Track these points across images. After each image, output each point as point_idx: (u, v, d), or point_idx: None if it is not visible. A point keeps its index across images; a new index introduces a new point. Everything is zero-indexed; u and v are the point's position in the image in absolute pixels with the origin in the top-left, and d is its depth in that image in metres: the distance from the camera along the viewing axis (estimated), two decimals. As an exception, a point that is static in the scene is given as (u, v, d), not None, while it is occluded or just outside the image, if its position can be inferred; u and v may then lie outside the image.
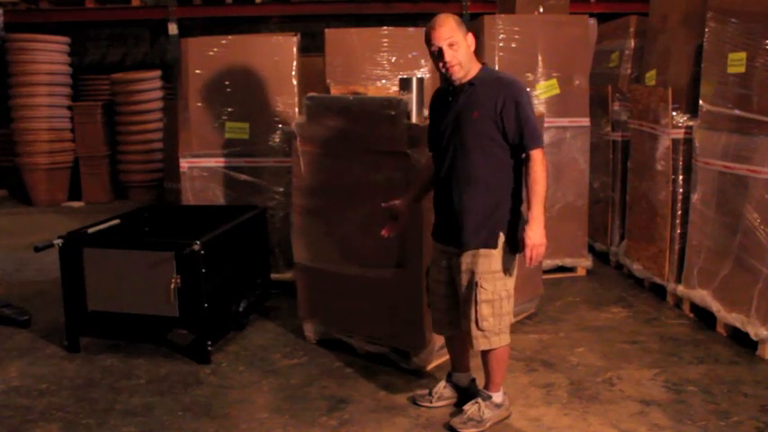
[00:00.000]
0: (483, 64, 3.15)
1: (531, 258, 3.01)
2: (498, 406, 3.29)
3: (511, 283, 3.16)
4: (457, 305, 3.23)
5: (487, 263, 3.08)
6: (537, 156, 3.01)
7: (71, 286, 4.10)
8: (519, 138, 3.01)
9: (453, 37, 3.01)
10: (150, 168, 9.07)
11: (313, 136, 4.10)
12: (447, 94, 3.16)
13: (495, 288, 3.09)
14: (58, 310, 4.32)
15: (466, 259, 3.12)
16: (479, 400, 3.29)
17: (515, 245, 3.10)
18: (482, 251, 3.09)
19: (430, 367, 3.86)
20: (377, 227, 3.60)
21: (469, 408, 3.28)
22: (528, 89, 3.13)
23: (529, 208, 3.02)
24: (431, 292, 3.36)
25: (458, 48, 3.02)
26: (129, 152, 9.17)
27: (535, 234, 2.99)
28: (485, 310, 3.09)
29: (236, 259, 4.42)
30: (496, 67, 5.23)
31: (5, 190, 9.62)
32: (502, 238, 3.09)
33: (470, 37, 3.08)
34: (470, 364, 3.50)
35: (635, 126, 5.27)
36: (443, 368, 3.84)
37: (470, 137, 3.05)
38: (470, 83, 3.08)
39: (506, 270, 3.12)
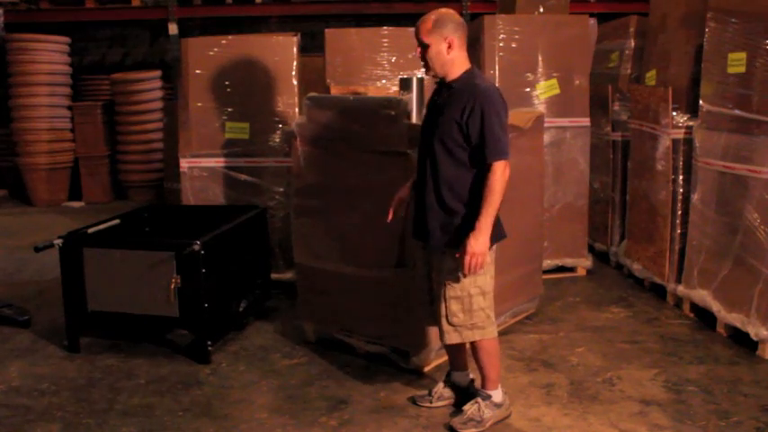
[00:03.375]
0: (471, 67, 3.15)
1: (468, 266, 3.02)
2: (498, 405, 3.29)
3: (483, 279, 3.16)
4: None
5: (454, 261, 3.10)
6: (497, 167, 3.00)
7: (71, 286, 4.10)
8: (481, 147, 3.02)
9: (424, 38, 3.07)
10: (150, 168, 9.07)
11: (313, 136, 4.10)
12: (435, 93, 3.24)
13: (464, 285, 3.13)
14: (58, 310, 4.32)
15: (436, 257, 3.20)
16: (479, 399, 3.29)
17: (490, 244, 3.10)
18: (449, 250, 3.13)
19: (429, 367, 3.86)
20: (377, 227, 3.61)
21: (469, 408, 3.29)
22: (504, 101, 3.08)
23: (477, 216, 3.02)
24: (415, 286, 3.44)
25: (428, 50, 3.07)
26: (129, 152, 9.17)
27: (477, 243, 3.00)
28: (453, 305, 3.15)
29: (236, 259, 4.42)
30: (496, 67, 5.24)
31: (5, 190, 9.61)
32: None
33: (453, 39, 3.06)
34: (468, 363, 3.50)
35: (635, 126, 5.27)
36: (443, 368, 3.84)
37: (439, 138, 3.11)
38: (450, 85, 3.12)
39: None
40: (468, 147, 3.05)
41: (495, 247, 3.18)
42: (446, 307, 3.17)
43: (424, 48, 3.08)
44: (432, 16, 3.08)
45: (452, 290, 3.15)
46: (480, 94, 3.02)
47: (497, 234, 3.16)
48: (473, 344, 3.25)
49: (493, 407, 3.27)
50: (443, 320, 3.19)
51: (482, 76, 3.16)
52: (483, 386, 3.30)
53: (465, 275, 3.09)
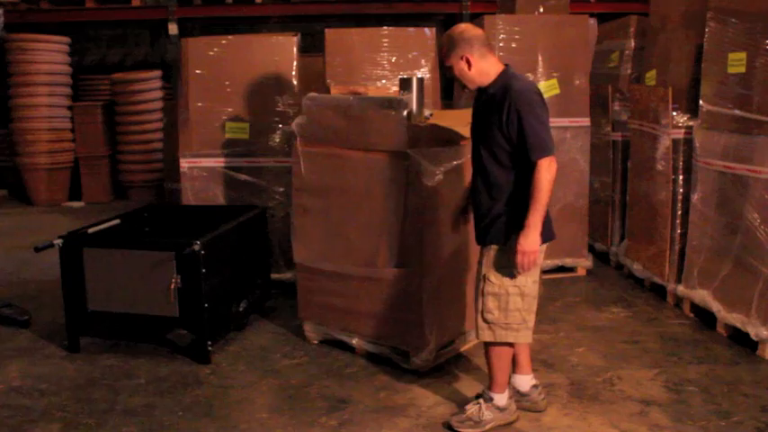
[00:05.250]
0: (504, 68, 3.13)
1: (521, 264, 3.04)
2: (501, 409, 3.26)
3: (524, 280, 3.12)
4: None
5: (496, 258, 3.11)
6: (541, 165, 3.01)
7: (71, 286, 4.10)
8: (524, 147, 3.02)
9: (446, 62, 3.16)
10: (150, 168, 9.07)
11: (313, 136, 4.10)
12: (476, 98, 3.26)
13: (503, 282, 3.11)
14: (58, 310, 4.33)
15: (481, 253, 3.22)
16: (481, 400, 3.28)
17: None
18: (492, 246, 3.14)
19: (430, 367, 3.85)
20: (377, 227, 3.60)
21: (470, 407, 3.28)
22: (539, 92, 3.11)
23: (526, 215, 3.02)
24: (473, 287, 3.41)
25: (454, 71, 3.14)
26: (129, 152, 9.17)
27: (527, 241, 3.02)
28: (490, 302, 3.13)
29: (237, 259, 4.42)
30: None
31: (5, 190, 9.62)
32: (515, 237, 3.06)
33: (470, 55, 3.07)
34: (531, 366, 3.43)
35: (635, 126, 5.27)
36: (443, 368, 3.85)
37: (482, 141, 3.15)
38: (488, 89, 3.13)
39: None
40: (512, 148, 3.05)
41: (544, 247, 3.16)
42: (483, 303, 3.16)
43: (450, 69, 3.15)
44: (444, 40, 3.14)
45: (490, 285, 3.14)
46: (516, 96, 3.02)
47: (546, 234, 3.15)
48: (487, 344, 3.22)
49: (495, 410, 3.25)
50: (479, 316, 3.19)
51: (517, 76, 3.13)
52: (489, 388, 3.28)
53: (519, 273, 3.09)
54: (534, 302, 3.19)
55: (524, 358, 3.37)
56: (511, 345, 3.23)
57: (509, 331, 3.16)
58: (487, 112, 3.11)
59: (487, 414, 3.24)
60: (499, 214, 3.11)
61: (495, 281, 3.13)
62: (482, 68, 3.11)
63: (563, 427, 3.27)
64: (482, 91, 3.16)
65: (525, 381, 3.39)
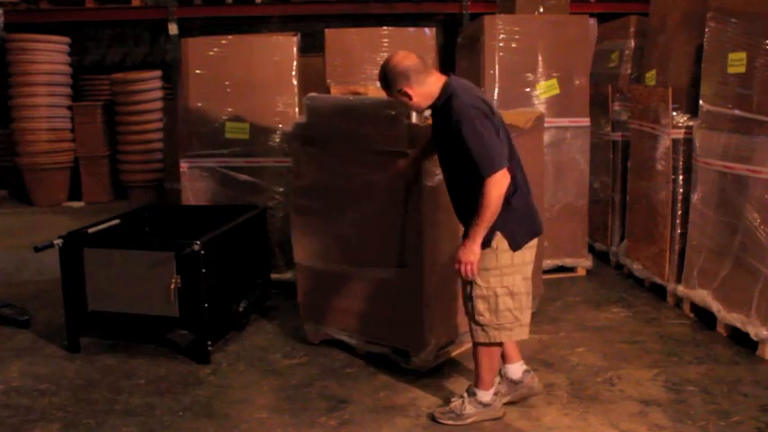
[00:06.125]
0: (445, 82, 3.14)
1: (460, 272, 3.12)
2: (484, 405, 3.28)
3: (512, 280, 3.15)
4: None
5: (481, 261, 3.11)
6: (489, 182, 2.96)
7: (71, 286, 4.11)
8: (473, 163, 3.00)
9: (388, 95, 3.24)
10: (150, 168, 9.06)
11: (313, 136, 4.10)
12: (433, 109, 3.26)
13: (490, 284, 3.13)
14: (58, 310, 4.32)
15: None
16: (465, 394, 3.31)
17: (516, 243, 3.12)
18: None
19: (430, 368, 3.85)
20: (377, 227, 3.60)
21: (455, 401, 3.33)
22: (481, 103, 3.10)
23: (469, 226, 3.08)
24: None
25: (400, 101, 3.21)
26: (129, 152, 9.16)
27: (465, 251, 3.08)
28: (480, 305, 3.16)
29: (236, 259, 4.42)
30: (496, 67, 5.23)
31: (5, 190, 9.61)
32: (498, 237, 3.10)
33: (406, 87, 3.09)
34: (520, 354, 3.45)
35: (635, 126, 5.27)
36: (443, 368, 3.84)
37: (443, 152, 3.26)
38: (436, 104, 3.15)
39: (508, 267, 3.13)
40: (464, 161, 3.04)
41: (534, 242, 3.19)
42: (473, 306, 3.18)
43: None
44: (380, 75, 3.16)
45: (478, 289, 3.16)
46: (455, 113, 3.01)
47: (532, 230, 3.18)
48: (477, 343, 3.24)
49: (477, 405, 3.27)
50: (471, 320, 3.22)
51: (457, 90, 3.08)
52: (474, 384, 3.31)
53: (465, 280, 3.16)
54: (527, 299, 3.21)
55: (512, 348, 3.40)
56: (500, 344, 3.26)
57: (502, 331, 3.18)
58: (439, 125, 3.20)
59: (470, 408, 3.27)
60: (466, 218, 3.16)
61: (483, 283, 3.14)
62: (424, 93, 3.14)
63: (563, 427, 3.27)
64: (432, 106, 3.20)
65: (516, 368, 3.41)
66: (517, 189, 3.11)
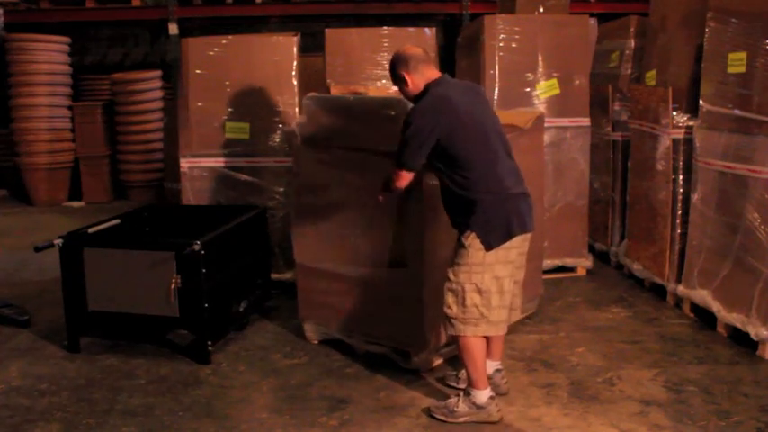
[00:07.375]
0: (429, 82, 3.31)
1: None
2: (479, 407, 3.27)
3: (481, 278, 3.20)
4: None
5: (456, 256, 3.26)
6: (396, 171, 3.30)
7: (71, 286, 4.10)
8: (441, 163, 3.26)
9: (395, 85, 3.48)
10: (150, 168, 9.07)
11: (313, 136, 4.10)
12: None
13: (460, 279, 3.23)
14: (58, 310, 4.32)
15: None
16: (461, 393, 3.34)
17: (488, 243, 3.18)
18: (455, 246, 3.29)
19: (430, 367, 3.85)
20: (376, 227, 3.60)
21: (452, 397, 3.36)
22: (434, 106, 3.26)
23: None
24: None
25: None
26: (129, 152, 9.17)
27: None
28: (449, 298, 3.27)
29: (237, 259, 4.42)
30: (496, 67, 5.24)
31: (5, 190, 9.62)
32: (472, 236, 3.19)
33: (405, 74, 3.31)
34: (500, 354, 3.58)
35: (635, 126, 5.27)
36: (444, 369, 3.84)
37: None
38: (415, 99, 3.37)
39: (478, 265, 3.19)
40: (435, 159, 3.25)
41: (518, 240, 3.26)
42: (444, 298, 3.28)
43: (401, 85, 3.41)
44: (390, 65, 3.42)
45: (449, 283, 3.28)
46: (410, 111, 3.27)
47: (520, 226, 3.24)
48: (457, 339, 3.29)
49: (471, 405, 3.27)
50: (441, 311, 3.31)
51: (432, 90, 3.28)
52: (469, 383, 3.32)
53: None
54: (498, 298, 3.25)
55: (495, 346, 3.51)
56: (479, 339, 3.27)
57: (467, 325, 3.24)
58: None
59: (462, 407, 3.28)
60: (456, 217, 3.30)
61: (453, 277, 3.26)
62: (416, 82, 3.33)
63: (563, 427, 3.27)
64: (414, 99, 3.39)
65: (489, 365, 3.47)
66: (490, 193, 3.19)
